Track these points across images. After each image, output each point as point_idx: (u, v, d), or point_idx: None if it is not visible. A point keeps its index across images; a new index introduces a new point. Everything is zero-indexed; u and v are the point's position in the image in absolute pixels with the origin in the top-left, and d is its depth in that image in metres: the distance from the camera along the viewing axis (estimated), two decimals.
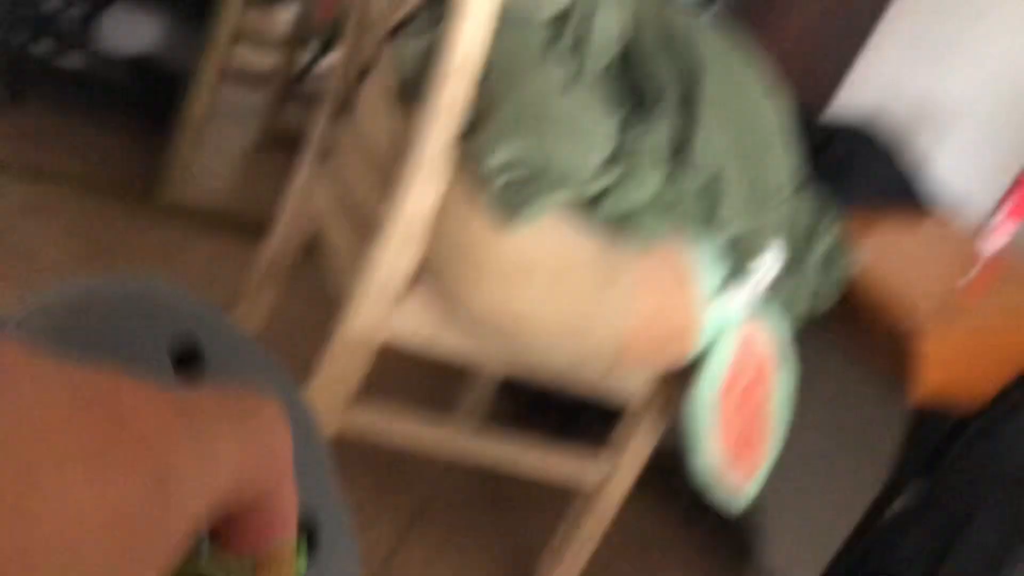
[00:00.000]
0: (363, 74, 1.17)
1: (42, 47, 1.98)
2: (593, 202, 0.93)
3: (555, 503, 1.57)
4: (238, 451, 0.18)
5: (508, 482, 1.57)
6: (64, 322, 0.25)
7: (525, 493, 1.57)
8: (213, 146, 2.21)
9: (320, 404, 1.03)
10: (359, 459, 1.44)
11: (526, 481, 1.58)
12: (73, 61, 2.02)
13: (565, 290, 0.92)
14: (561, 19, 1.00)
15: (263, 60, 2.58)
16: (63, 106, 2.04)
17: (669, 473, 1.70)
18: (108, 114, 2.11)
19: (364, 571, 1.27)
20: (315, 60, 2.62)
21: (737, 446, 1.01)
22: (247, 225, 1.93)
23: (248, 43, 2.40)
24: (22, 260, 1.51)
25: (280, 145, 2.42)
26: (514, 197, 0.88)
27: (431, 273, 0.97)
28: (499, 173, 0.89)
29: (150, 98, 2.14)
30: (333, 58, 2.59)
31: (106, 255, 1.64)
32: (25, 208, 1.65)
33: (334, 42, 2.39)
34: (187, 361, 0.26)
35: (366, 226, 1.08)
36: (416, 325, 1.01)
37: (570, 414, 1.72)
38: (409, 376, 1.73)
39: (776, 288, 1.02)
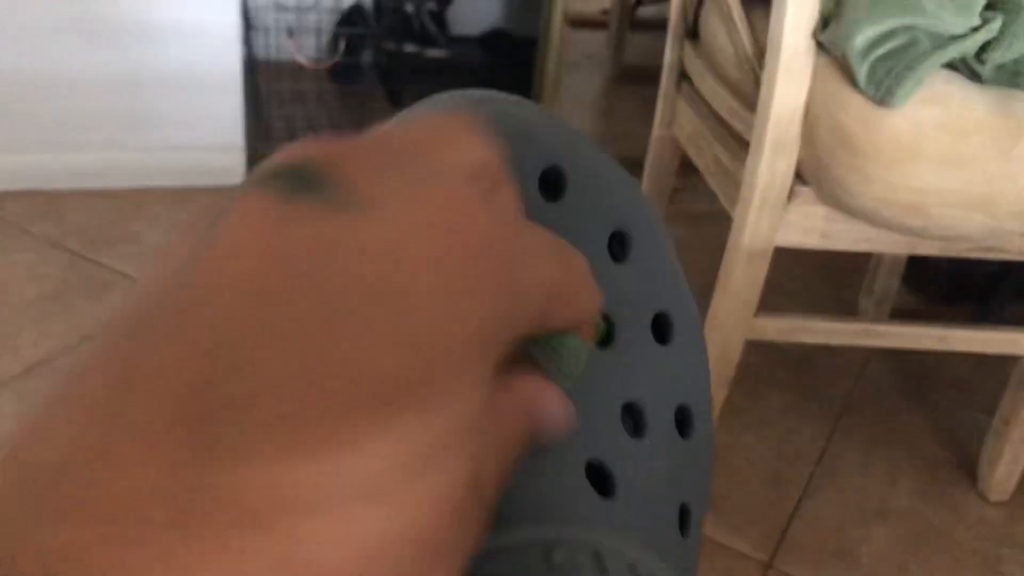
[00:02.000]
0: None
1: (408, 48, 2.20)
2: (976, 60, 0.87)
3: (984, 385, 1.48)
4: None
5: (930, 367, 1.51)
6: None
7: (950, 379, 1.50)
8: (572, 96, 2.32)
9: (725, 318, 1.07)
10: (774, 365, 1.47)
11: (949, 367, 1.51)
12: (435, 53, 2.23)
13: (963, 158, 0.87)
14: None
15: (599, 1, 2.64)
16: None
17: None
18: None
19: (798, 475, 1.30)
20: None
21: None
22: (621, 162, 2.02)
23: None
24: None
25: (631, 79, 2.48)
26: (888, 74, 0.85)
27: (814, 170, 0.97)
28: (867, 53, 0.86)
29: (507, 68, 2.29)
30: None
31: None
32: None
33: None
34: (551, 183, 0.25)
35: (736, 140, 1.10)
36: (809, 224, 1.01)
37: (981, 298, 1.61)
38: (801, 280, 1.72)
39: None
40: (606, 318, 0.24)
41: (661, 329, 0.26)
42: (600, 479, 0.23)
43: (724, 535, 1.16)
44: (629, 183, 0.27)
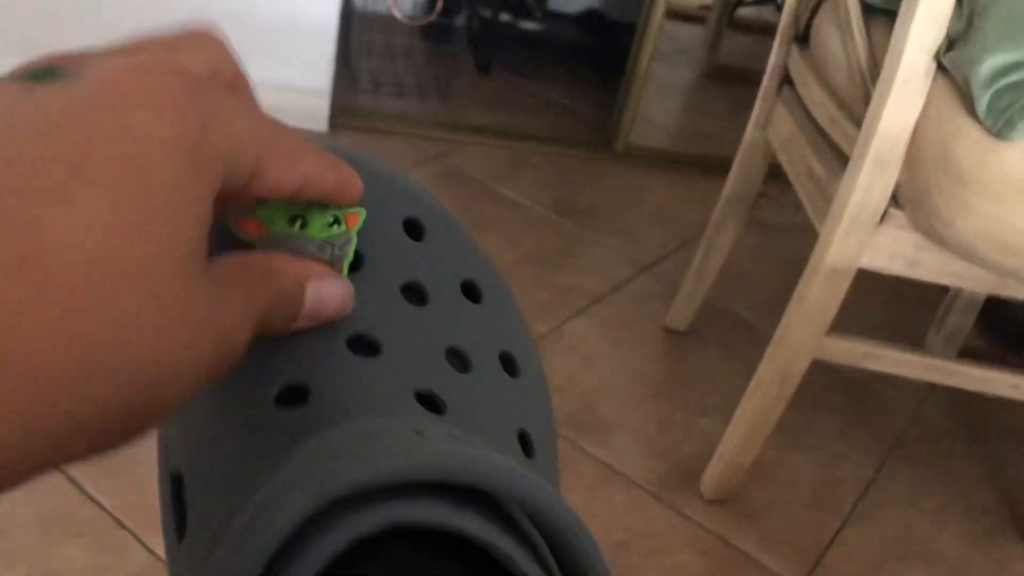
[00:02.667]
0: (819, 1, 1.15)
1: (504, 17, 2.18)
2: None
3: None
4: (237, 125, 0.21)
5: (990, 414, 1.46)
6: None
7: (1010, 429, 1.45)
8: (661, 87, 2.29)
9: (797, 334, 1.05)
10: (834, 388, 1.44)
11: (1010, 417, 1.46)
12: (529, 26, 2.21)
13: None
14: None
15: None
16: (524, 70, 2.24)
17: None
18: (563, 71, 2.28)
19: (842, 502, 1.27)
20: None
21: None
22: (700, 160, 1.99)
23: None
24: (511, 212, 1.71)
25: (722, 78, 2.44)
26: (1010, 106, 0.82)
27: (913, 195, 0.93)
28: (991, 83, 0.82)
29: (599, 50, 2.26)
30: None
31: (574, 203, 1.79)
32: (504, 166, 1.85)
33: None
34: None
35: (834, 152, 1.06)
36: (897, 249, 0.98)
37: None
38: (869, 304, 1.68)
39: None
40: (417, 287, 0.28)
41: (471, 292, 0.29)
42: (430, 405, 0.25)
43: (759, 550, 1.14)
44: (410, 180, 0.31)
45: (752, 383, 1.12)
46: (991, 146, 0.85)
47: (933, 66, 0.88)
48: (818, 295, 1.02)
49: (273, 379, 0.24)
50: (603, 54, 2.21)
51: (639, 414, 1.30)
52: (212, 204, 0.20)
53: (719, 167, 1.46)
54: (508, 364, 0.28)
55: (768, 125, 1.27)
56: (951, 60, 0.87)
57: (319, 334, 0.25)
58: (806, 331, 1.04)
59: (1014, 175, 0.85)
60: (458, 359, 0.27)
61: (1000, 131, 0.83)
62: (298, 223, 0.26)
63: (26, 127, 0.18)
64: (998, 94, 0.83)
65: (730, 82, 2.36)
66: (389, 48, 2.13)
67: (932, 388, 1.48)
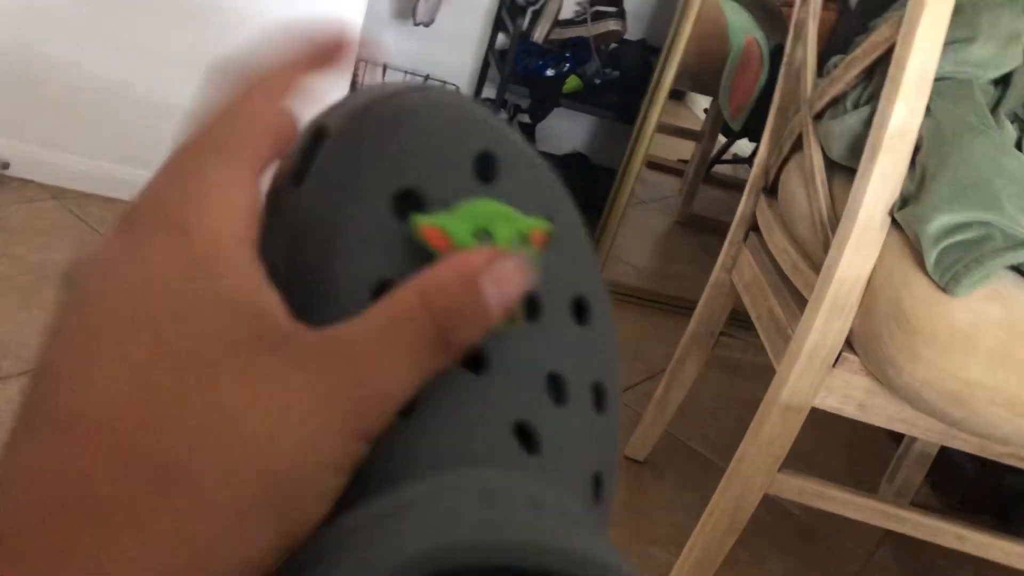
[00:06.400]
0: (787, 155, 1.24)
1: None
2: None
3: None
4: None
5: (939, 569, 1.48)
6: (371, 127, 0.27)
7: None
8: (636, 229, 2.38)
9: (750, 467, 1.08)
10: (780, 527, 1.45)
11: (959, 571, 1.48)
12: None
13: (1017, 361, 0.89)
14: (1005, 79, 0.98)
15: (679, 149, 2.73)
16: None
17: None
18: None
19: None
20: (726, 148, 2.73)
21: None
22: (669, 299, 2.05)
23: (666, 134, 2.57)
24: None
25: (693, 227, 2.54)
26: (957, 264, 0.88)
27: (865, 340, 0.99)
28: (939, 240, 0.89)
29: (581, 190, 2.35)
30: (742, 145, 2.68)
31: None
32: None
33: (747, 132, 2.48)
34: (485, 166, 0.27)
35: (793, 296, 1.12)
36: (849, 392, 1.03)
37: (1001, 513, 1.59)
38: (823, 447, 1.71)
39: None
40: (532, 299, 0.26)
41: (580, 311, 0.28)
42: (526, 438, 0.24)
43: None
44: (553, 175, 0.29)
45: (704, 514, 1.14)
46: (939, 299, 0.91)
47: (888, 221, 0.95)
48: (772, 429, 1.06)
49: None
50: (584, 194, 2.31)
51: None
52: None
53: (686, 307, 1.52)
54: (599, 397, 0.27)
55: (734, 268, 1.34)
56: (904, 216, 0.93)
57: None
58: (760, 464, 1.08)
59: (959, 328, 0.90)
60: (556, 388, 0.26)
61: (947, 286, 0.89)
62: (483, 237, 0.24)
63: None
64: (945, 251, 0.89)
65: (700, 231, 2.46)
66: None
67: (883, 538, 1.50)
